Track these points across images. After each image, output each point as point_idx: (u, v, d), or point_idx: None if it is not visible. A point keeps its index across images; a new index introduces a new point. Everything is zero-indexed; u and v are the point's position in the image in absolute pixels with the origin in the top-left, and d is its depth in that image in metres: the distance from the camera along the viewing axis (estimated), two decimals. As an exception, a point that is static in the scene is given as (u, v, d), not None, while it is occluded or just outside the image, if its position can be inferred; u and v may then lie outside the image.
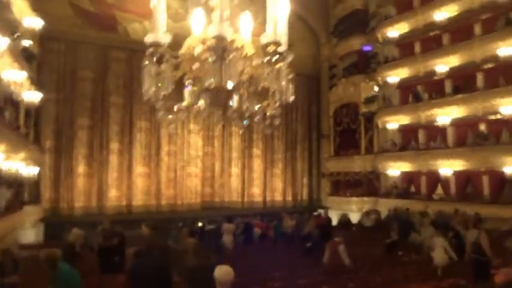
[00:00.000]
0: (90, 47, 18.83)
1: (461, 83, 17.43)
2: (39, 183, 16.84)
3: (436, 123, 17.82)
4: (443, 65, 17.52)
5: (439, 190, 18.50)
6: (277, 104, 2.72)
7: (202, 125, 21.39)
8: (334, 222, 16.84)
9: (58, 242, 12.33)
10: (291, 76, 2.56)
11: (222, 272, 3.59)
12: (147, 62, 2.46)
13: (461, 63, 17.05)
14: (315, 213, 19.07)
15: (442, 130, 18.09)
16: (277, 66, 2.39)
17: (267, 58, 2.37)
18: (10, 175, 10.87)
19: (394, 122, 19.74)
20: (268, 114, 2.88)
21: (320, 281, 7.35)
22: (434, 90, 18.34)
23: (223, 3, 2.26)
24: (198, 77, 2.60)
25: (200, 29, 2.95)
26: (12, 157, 11.52)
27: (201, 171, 21.39)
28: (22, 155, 12.58)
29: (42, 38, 16.14)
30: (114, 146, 19.34)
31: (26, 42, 13.04)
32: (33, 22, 12.62)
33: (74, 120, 18.47)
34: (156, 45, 2.39)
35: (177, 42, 2.74)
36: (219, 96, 2.45)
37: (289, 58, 2.52)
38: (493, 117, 16.12)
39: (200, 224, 14.09)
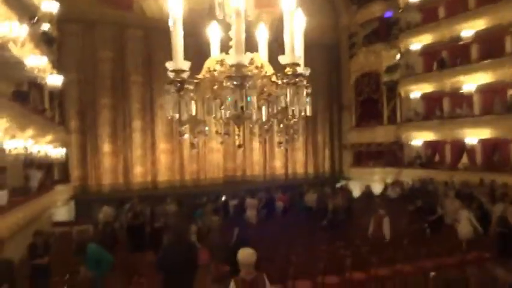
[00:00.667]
0: (107, 27, 18.89)
1: (488, 47, 16.70)
2: (67, 163, 17.42)
3: (461, 91, 17.27)
4: (469, 29, 16.77)
5: (465, 159, 18.14)
6: (296, 119, 2.74)
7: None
8: (357, 193, 16.94)
9: (89, 220, 12.97)
10: (309, 91, 2.60)
11: (245, 254, 3.70)
12: (168, 88, 2.51)
13: (488, 26, 16.26)
14: (338, 186, 19.15)
15: (467, 97, 17.54)
16: (297, 86, 2.42)
17: (286, 80, 2.40)
18: (40, 157, 11.28)
19: (417, 91, 19.24)
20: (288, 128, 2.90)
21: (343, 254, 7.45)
22: (460, 56, 17.66)
23: (239, 25, 2.27)
24: (220, 96, 2.65)
25: (217, 49, 2.98)
26: (41, 140, 11.90)
27: (222, 146, 21.57)
28: (49, 137, 12.96)
29: (60, 20, 16.22)
30: (137, 123, 19.68)
31: (45, 26, 13.15)
32: (50, 5, 12.66)
33: (96, 101, 18.82)
34: (176, 72, 2.42)
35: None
36: (239, 118, 2.50)
37: (307, 73, 2.58)
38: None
39: (224, 199, 14.30)
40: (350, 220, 11.59)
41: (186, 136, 2.89)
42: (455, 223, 8.89)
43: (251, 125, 3.06)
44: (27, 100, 11.05)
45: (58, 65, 15.01)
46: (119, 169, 19.40)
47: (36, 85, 12.85)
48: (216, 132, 3.20)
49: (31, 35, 9.78)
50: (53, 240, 8.21)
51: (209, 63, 2.76)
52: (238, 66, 2.29)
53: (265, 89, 2.75)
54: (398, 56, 19.71)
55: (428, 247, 7.13)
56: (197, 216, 11.63)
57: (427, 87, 18.75)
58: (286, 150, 23.15)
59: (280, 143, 2.91)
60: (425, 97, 19.47)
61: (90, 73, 18.60)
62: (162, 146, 20.24)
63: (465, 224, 8.61)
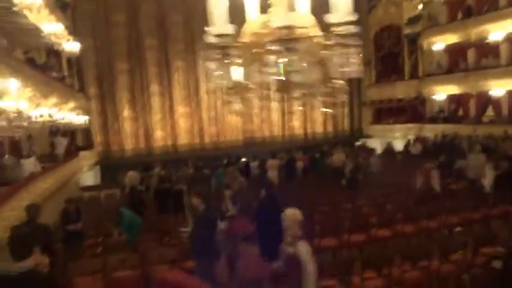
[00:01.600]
0: (119, -11, 18.53)
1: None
2: (90, 130, 17.74)
3: (487, 41, 16.50)
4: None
5: (490, 112, 17.64)
6: (344, 81, 2.56)
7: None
8: (378, 151, 16.82)
9: (115, 184, 13.33)
10: (361, 55, 2.34)
11: (291, 214, 3.73)
12: (208, 54, 2.33)
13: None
14: (357, 144, 19.03)
15: (494, 47, 16.76)
16: (348, 46, 2.19)
17: (335, 41, 2.18)
18: (64, 124, 11.48)
19: (440, 42, 18.47)
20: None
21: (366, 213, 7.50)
22: (487, 2, 16.72)
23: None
24: (263, 61, 2.45)
25: (254, 10, 2.72)
26: (63, 107, 12.07)
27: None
28: (71, 104, 13.13)
29: (73, -15, 16.00)
30: (154, 88, 19.71)
31: (58, -9, 12.98)
32: (62, -31, 12.44)
33: (113, 65, 18.83)
34: (220, 36, 2.22)
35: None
36: (285, 84, 2.33)
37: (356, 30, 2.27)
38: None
39: (244, 160, 14.42)
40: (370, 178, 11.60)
41: (236, 106, 2.78)
42: (481, 178, 8.77)
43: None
44: (48, 68, 11.11)
45: (73, 31, 14.94)
46: (140, 134, 19.68)
47: (53, 52, 12.89)
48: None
49: (45, 1, 9.67)
50: (84, 206, 8.45)
51: (251, 26, 2.53)
52: (286, 28, 2.07)
53: (312, 51, 2.52)
54: (420, 6, 18.78)
55: (453, 202, 7.10)
56: (216, 176, 11.86)
57: (451, 38, 17.97)
58: (305, 109, 22.97)
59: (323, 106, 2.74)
60: (448, 49, 18.71)
61: (105, 38, 18.48)
62: (180, 109, 20.32)
63: (491, 178, 8.49)
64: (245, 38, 2.45)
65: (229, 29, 2.21)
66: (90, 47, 17.73)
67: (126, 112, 19.34)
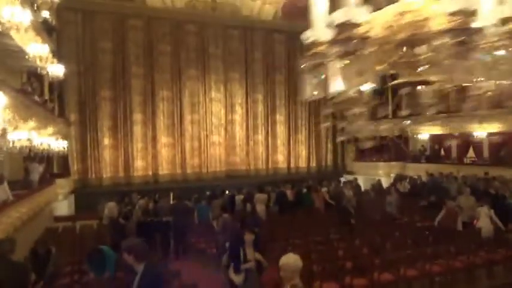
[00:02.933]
0: (107, 16, 18.43)
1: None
2: (67, 156, 16.97)
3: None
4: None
5: (471, 154, 17.95)
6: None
7: (225, 92, 21.09)
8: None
9: (91, 215, 12.61)
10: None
11: (292, 262, 3.34)
12: (305, 65, 2.00)
13: None
14: (343, 179, 18.88)
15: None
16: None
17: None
18: (42, 150, 10.86)
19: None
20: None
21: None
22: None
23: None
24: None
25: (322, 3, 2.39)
26: (42, 132, 11.47)
27: (224, 139, 21.25)
28: (50, 129, 12.51)
29: (59, 8, 15.71)
30: (138, 116, 19.26)
31: (45, 14, 12.67)
32: (51, -8, 12.18)
33: (96, 92, 18.37)
34: (316, 44, 1.91)
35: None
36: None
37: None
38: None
39: (230, 194, 13.97)
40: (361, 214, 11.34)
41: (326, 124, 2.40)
42: (475, 221, 8.64)
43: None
44: (29, 91, 10.62)
45: (58, 55, 14.53)
46: (120, 162, 19.01)
47: (36, 75, 12.40)
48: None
49: (32, 22, 9.33)
50: (58, 241, 7.73)
51: (383, 17, 1.96)
52: (462, 14, 1.50)
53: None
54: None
55: (454, 245, 6.88)
56: (200, 209, 11.38)
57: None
58: (289, 143, 22.94)
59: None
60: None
61: (90, 64, 18.12)
62: (163, 139, 19.86)
63: (485, 221, 8.36)
64: (376, 32, 1.93)
65: (326, 34, 1.84)
66: (73, 72, 17.25)
67: (107, 140, 18.73)
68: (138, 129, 19.25)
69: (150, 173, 19.56)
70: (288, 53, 22.64)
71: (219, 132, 21.15)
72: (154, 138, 19.60)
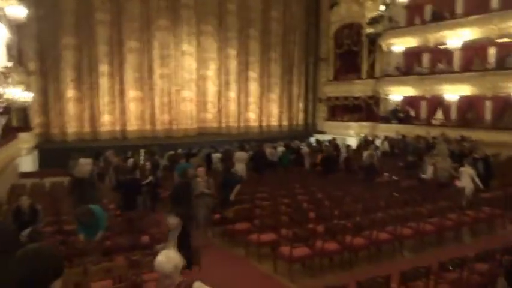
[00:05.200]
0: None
1: (475, 3, 16.51)
2: (27, 109, 15.76)
3: (444, 46, 17.18)
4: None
5: (439, 115, 18.45)
6: None
7: (197, 46, 20.12)
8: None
9: (61, 171, 11.88)
10: None
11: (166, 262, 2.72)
12: None
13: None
14: (312, 139, 18.98)
15: (448, 54, 17.53)
16: None
17: None
18: (6, 101, 9.89)
19: (400, 45, 18.94)
20: None
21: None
22: (446, 10, 17.39)
23: None
24: None
25: None
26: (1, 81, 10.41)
27: (196, 95, 20.52)
28: (11, 78, 11.41)
29: None
30: (104, 68, 18.07)
31: None
32: None
33: (58, 40, 16.88)
34: None
35: None
36: None
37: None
38: (504, 40, 15.56)
39: (207, 152, 13.60)
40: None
41: None
42: (457, 181, 8.89)
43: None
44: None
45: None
46: (85, 117, 17.97)
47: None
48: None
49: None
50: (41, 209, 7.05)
51: None
52: None
53: None
54: (382, 8, 19.09)
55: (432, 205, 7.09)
56: (180, 171, 11.00)
57: (410, 41, 18.48)
58: (261, 101, 22.60)
59: None
60: (407, 52, 19.26)
61: (50, 8, 16.47)
62: (131, 93, 18.86)
63: (467, 180, 8.63)
64: None
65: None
66: (32, 17, 15.62)
67: (70, 92, 17.51)
68: (104, 82, 18.11)
69: (118, 128, 18.69)
70: (264, 6, 21.77)
71: (190, 87, 20.34)
72: (122, 92, 18.56)
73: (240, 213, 7.51)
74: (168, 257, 2.73)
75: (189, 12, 19.60)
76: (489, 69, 16.07)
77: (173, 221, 4.61)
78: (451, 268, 4.13)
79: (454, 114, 17.75)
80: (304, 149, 13.72)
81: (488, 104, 16.71)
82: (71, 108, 17.54)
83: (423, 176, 11.00)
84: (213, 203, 7.35)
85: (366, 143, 15.42)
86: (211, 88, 20.97)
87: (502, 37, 15.52)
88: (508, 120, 16.18)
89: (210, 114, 21.11)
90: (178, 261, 2.74)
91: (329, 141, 14.78)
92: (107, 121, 18.39)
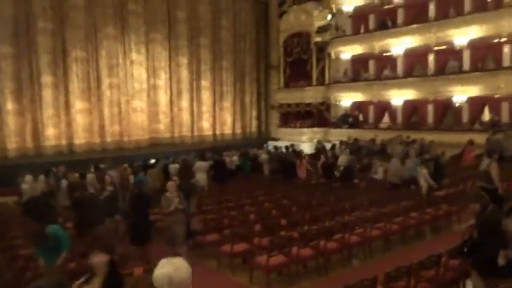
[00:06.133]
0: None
1: (414, 13, 17.63)
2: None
3: (388, 53, 18.12)
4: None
5: (386, 119, 19.36)
6: None
7: (147, 55, 19.61)
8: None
9: (7, 191, 10.98)
10: None
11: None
12: None
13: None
14: (268, 146, 19.15)
15: (393, 61, 18.50)
16: None
17: None
18: None
19: (347, 52, 19.71)
20: None
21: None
22: (388, 19, 18.37)
23: None
24: None
25: None
26: None
27: (147, 105, 19.95)
28: None
29: None
30: (47, 79, 17.07)
31: None
32: None
33: (-6, 49, 15.70)
34: None
35: None
36: None
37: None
38: (442, 47, 16.72)
39: (164, 162, 13.23)
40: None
41: None
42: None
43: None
44: None
45: None
46: (27, 131, 16.80)
47: None
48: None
49: None
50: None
51: None
52: None
53: None
54: (329, 17, 19.79)
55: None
56: (139, 182, 10.57)
57: (357, 49, 19.28)
58: (214, 110, 22.47)
59: None
60: (354, 59, 20.07)
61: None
62: (78, 104, 17.94)
63: (422, 180, 9.11)
64: None
65: None
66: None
67: (10, 105, 16.31)
68: (48, 93, 17.09)
69: (64, 142, 17.68)
70: (213, 15, 21.75)
71: (141, 97, 19.76)
72: (67, 104, 17.62)
73: (209, 224, 7.36)
74: (174, 264, 2.03)
75: (137, 20, 19.10)
76: (429, 75, 17.16)
77: (98, 259, 2.73)
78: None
79: (399, 118, 18.70)
80: (263, 156, 13.78)
81: (430, 108, 17.79)
82: (10, 121, 16.33)
83: (374, 176, 11.52)
84: (187, 219, 7.00)
85: (322, 148, 15.79)
86: (163, 98, 20.52)
87: (439, 45, 16.66)
88: (449, 122, 17.36)
89: (163, 124, 20.63)
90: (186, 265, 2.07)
91: (286, 147, 14.97)
92: (51, 135, 17.33)
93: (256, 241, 6.30)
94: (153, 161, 15.30)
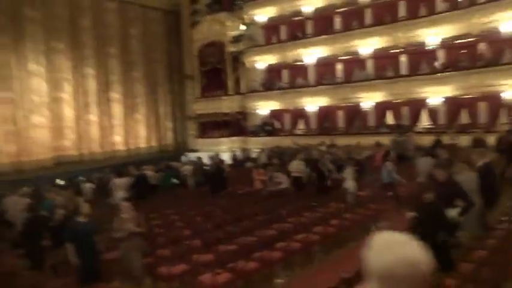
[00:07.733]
0: None
1: (322, 24, 18.65)
2: None
3: (300, 63, 18.87)
4: (307, 6, 18.30)
5: (301, 125, 20.09)
6: None
7: (47, 65, 17.77)
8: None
9: None
10: None
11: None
12: None
13: (322, 5, 18.14)
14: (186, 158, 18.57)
15: (304, 70, 19.30)
16: None
17: None
18: None
19: (262, 62, 20.08)
20: None
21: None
22: (298, 30, 19.17)
23: None
24: None
25: None
26: None
27: (49, 120, 18.01)
28: None
29: None
30: None
31: None
32: None
33: None
34: None
35: None
36: None
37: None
38: (349, 57, 17.92)
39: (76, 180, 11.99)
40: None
41: None
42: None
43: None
44: None
45: None
46: None
47: None
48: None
49: None
50: None
51: None
52: None
53: None
54: (242, 27, 20.00)
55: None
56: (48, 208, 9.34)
57: (270, 59, 19.76)
58: (127, 123, 21.20)
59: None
60: (268, 68, 20.53)
61: None
62: (-37, 122, 15.54)
63: (349, 182, 9.48)
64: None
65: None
66: None
67: None
68: None
69: None
70: (122, 23, 20.62)
71: (42, 112, 17.77)
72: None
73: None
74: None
75: (35, 27, 17.22)
76: (338, 83, 18.24)
77: None
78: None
79: (313, 124, 19.53)
80: (186, 167, 13.21)
81: (340, 113, 18.90)
82: None
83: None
84: (145, 245, 6.05)
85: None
86: (68, 112, 18.74)
87: (346, 55, 17.83)
88: (358, 126, 18.58)
89: (68, 140, 18.81)
90: None
91: (211, 157, 14.60)
92: None
93: (196, 258, 5.86)
94: (61, 181, 13.91)
